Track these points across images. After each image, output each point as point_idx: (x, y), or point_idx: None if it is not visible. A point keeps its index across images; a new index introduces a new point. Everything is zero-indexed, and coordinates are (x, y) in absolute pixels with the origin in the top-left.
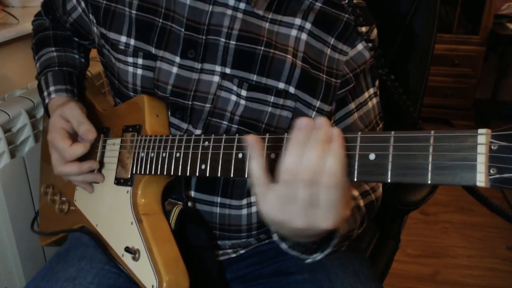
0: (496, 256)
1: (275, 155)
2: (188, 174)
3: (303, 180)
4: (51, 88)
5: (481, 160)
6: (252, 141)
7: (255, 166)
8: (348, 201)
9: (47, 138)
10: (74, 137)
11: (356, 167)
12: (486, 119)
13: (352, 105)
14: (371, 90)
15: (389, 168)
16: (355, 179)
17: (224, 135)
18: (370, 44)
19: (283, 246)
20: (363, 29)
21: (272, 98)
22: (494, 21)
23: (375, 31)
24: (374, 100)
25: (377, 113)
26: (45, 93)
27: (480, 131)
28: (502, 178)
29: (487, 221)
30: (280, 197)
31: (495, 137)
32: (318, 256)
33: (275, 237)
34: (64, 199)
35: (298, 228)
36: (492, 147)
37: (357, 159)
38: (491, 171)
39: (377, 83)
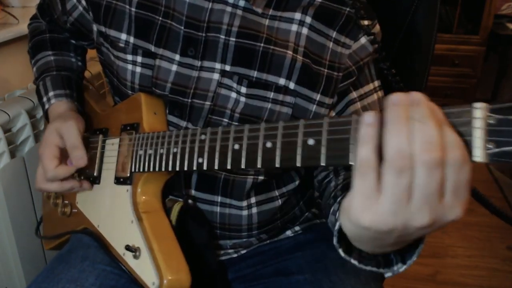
0: (496, 256)
1: (271, 144)
2: (186, 168)
3: (424, 161)
4: (50, 93)
5: (478, 135)
6: (372, 117)
7: (369, 151)
8: None
9: (39, 151)
10: (65, 154)
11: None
12: None
13: (354, 94)
14: (376, 83)
15: None
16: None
17: (220, 128)
18: (372, 37)
19: (353, 262)
20: (366, 22)
21: (271, 94)
22: (494, 21)
23: (377, 26)
24: (380, 93)
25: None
26: (45, 99)
27: (475, 105)
28: (502, 152)
29: (487, 221)
30: (394, 195)
31: (493, 110)
32: (401, 268)
33: (341, 252)
34: (66, 202)
35: (419, 227)
36: (490, 121)
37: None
38: (489, 146)
39: None
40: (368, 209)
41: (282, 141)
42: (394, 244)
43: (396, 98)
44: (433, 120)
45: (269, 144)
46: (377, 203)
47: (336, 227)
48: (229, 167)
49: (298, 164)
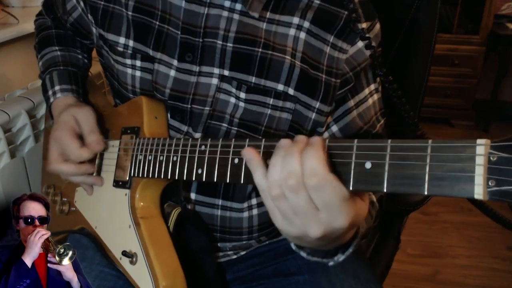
0: (496, 256)
1: None
2: (185, 178)
3: (289, 187)
4: (57, 87)
5: (480, 172)
6: (249, 153)
7: (260, 178)
8: (360, 196)
9: (54, 134)
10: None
11: (352, 175)
12: (486, 119)
13: (352, 102)
14: (372, 86)
15: (385, 177)
16: (351, 188)
17: (221, 139)
18: (367, 41)
19: (302, 254)
20: (364, 25)
21: (271, 100)
22: (494, 21)
23: (377, 26)
24: (375, 97)
25: (378, 109)
26: (50, 92)
27: (479, 141)
28: (501, 191)
29: (487, 221)
30: (282, 212)
31: (494, 148)
32: (340, 258)
33: (293, 246)
34: (65, 199)
35: (317, 237)
36: (491, 159)
37: (353, 167)
38: (490, 183)
39: (378, 78)
40: (273, 217)
41: None
42: (328, 245)
43: (282, 143)
44: (298, 154)
45: (269, 162)
46: (276, 216)
47: None
48: (228, 181)
49: None
